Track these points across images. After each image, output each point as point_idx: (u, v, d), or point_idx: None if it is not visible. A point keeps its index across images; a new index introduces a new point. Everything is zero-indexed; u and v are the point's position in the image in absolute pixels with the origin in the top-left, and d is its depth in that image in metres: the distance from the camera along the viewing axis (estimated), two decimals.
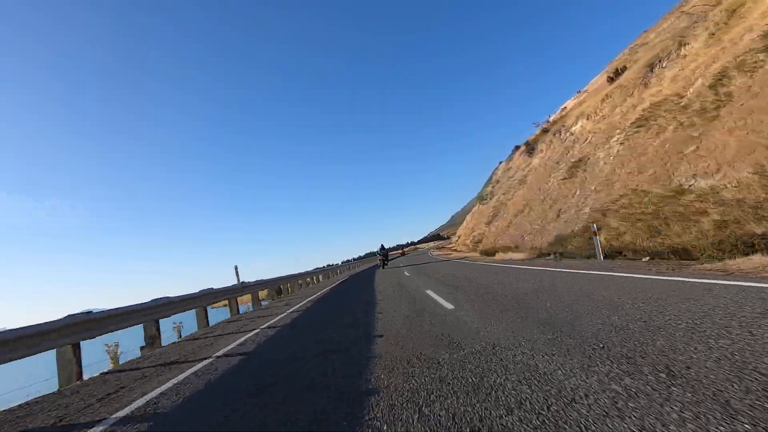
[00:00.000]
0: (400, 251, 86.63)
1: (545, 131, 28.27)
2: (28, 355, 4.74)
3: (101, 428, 2.97)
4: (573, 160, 18.66)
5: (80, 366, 5.43)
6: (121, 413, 3.25)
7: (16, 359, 4.61)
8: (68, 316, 5.46)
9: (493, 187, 44.89)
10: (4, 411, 4.03)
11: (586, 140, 19.23)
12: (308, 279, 21.12)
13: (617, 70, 20.52)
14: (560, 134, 24.87)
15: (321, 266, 37.24)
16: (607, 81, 21.45)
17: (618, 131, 15.77)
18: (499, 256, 14.11)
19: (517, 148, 43.35)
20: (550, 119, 37.52)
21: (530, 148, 30.23)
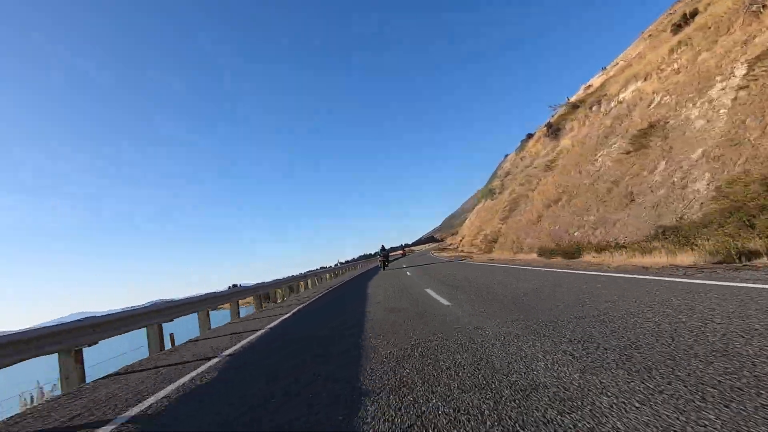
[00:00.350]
0: (401, 251, 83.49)
1: (575, 107, 23.60)
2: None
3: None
4: (638, 128, 13.89)
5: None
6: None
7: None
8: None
9: (502, 180, 40.25)
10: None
11: (651, 103, 14.50)
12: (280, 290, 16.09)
13: (686, 14, 15.88)
14: (599, 106, 20.18)
15: (313, 269, 32.11)
16: (671, 32, 16.81)
17: (719, 78, 11.04)
18: (593, 258, 8.92)
19: (530, 135, 38.83)
20: (571, 99, 33.05)
21: (554, 129, 25.55)
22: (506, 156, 53.60)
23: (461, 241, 48.41)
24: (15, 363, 4.30)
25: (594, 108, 20.69)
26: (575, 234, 13.98)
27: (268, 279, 18.24)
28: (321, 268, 36.56)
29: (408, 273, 16.34)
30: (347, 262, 60.89)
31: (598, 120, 19.42)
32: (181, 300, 8.32)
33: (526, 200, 24.35)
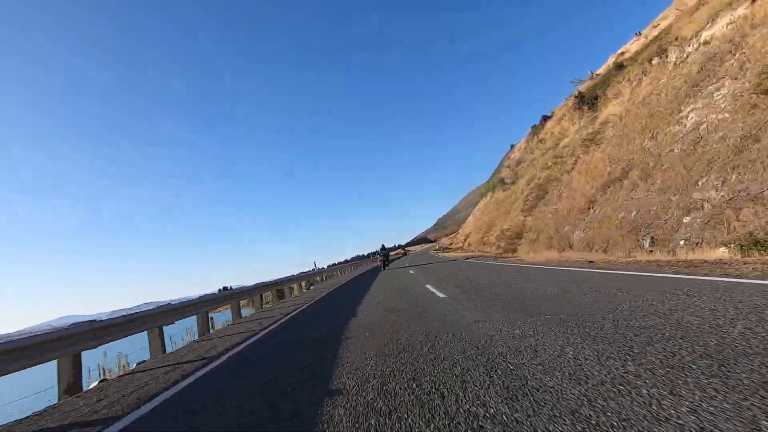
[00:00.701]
0: (401, 251, 79.95)
1: (620, 67, 18.82)
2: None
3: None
4: None
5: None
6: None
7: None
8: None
9: (514, 169, 35.46)
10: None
11: None
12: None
13: None
14: (665, 57, 15.39)
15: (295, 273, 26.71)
16: None
17: None
18: None
19: (546, 117, 34.14)
20: (596, 73, 28.41)
21: (590, 98, 20.76)
22: (512, 146, 49.01)
23: (466, 239, 43.54)
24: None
25: (655, 61, 15.91)
26: (685, 220, 9.07)
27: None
28: (305, 271, 30.96)
29: (403, 266, 10.86)
30: (339, 263, 53.07)
31: (666, 72, 14.61)
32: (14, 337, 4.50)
33: (559, 185, 19.51)
